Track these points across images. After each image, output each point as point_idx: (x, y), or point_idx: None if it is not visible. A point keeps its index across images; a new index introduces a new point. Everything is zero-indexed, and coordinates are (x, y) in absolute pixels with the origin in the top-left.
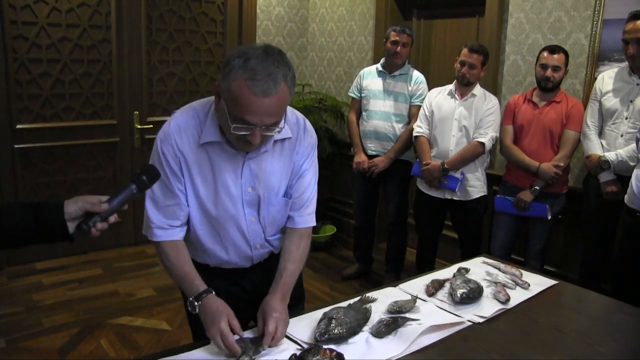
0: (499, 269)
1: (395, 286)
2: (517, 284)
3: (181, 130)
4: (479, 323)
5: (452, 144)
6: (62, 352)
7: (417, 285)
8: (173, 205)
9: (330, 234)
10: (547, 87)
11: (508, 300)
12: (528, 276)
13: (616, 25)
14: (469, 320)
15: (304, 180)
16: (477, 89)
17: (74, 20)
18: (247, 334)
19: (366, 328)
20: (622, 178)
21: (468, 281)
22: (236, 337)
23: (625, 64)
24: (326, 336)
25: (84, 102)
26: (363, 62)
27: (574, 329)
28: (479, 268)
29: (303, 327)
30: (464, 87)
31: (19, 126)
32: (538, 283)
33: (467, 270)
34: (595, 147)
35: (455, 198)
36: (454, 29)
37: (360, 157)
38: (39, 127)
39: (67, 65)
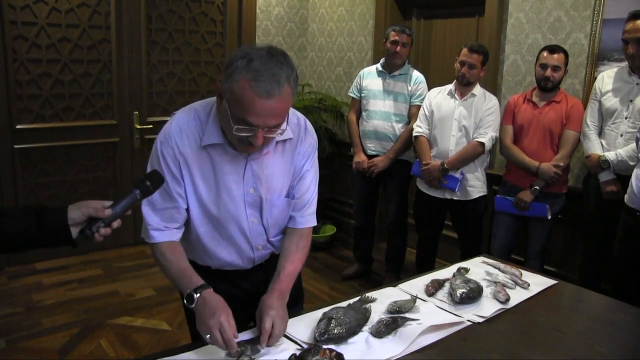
0: (499, 269)
1: (395, 286)
2: (516, 283)
3: (182, 131)
4: (478, 323)
5: (451, 143)
6: (62, 352)
7: (416, 285)
8: (171, 208)
9: (330, 234)
10: (547, 87)
11: (508, 300)
12: (528, 276)
13: (616, 25)
14: (468, 320)
15: (305, 181)
16: (477, 89)
17: (73, 21)
18: (246, 335)
19: (366, 328)
20: (622, 178)
21: (468, 281)
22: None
23: (625, 63)
24: (326, 336)
25: (83, 102)
26: (363, 62)
27: (574, 328)
28: (478, 268)
29: (303, 327)
30: (464, 87)
31: (18, 126)
32: (538, 283)
33: (466, 270)
34: (595, 146)
35: (455, 198)
36: (453, 28)
37: (360, 157)
38: (38, 127)
39: (66, 65)
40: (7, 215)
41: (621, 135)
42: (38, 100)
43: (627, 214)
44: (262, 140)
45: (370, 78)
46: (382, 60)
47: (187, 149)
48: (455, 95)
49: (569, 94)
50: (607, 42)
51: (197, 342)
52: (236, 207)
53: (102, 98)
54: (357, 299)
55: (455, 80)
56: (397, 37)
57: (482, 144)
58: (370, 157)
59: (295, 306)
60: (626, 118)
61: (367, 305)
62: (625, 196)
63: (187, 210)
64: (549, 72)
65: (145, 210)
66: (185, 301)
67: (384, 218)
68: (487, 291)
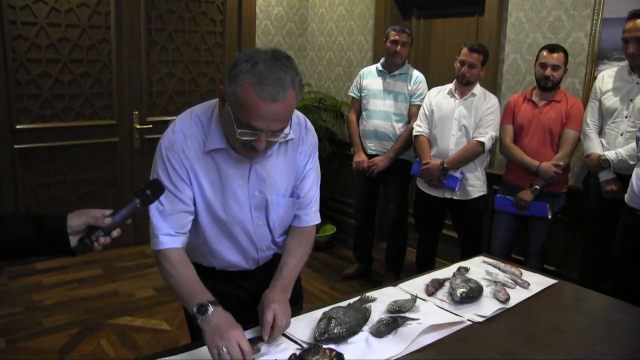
0: (499, 268)
1: (395, 286)
2: (517, 283)
3: (186, 137)
4: (478, 322)
5: (451, 143)
6: (62, 352)
7: (416, 284)
8: (180, 212)
9: (330, 234)
10: (547, 86)
11: (508, 299)
12: (528, 275)
13: (616, 24)
14: (468, 320)
15: (308, 179)
16: (477, 89)
17: (73, 21)
18: (247, 335)
19: (366, 328)
20: (622, 177)
21: (468, 280)
22: None
23: (625, 62)
24: (326, 336)
25: (83, 102)
26: (362, 61)
27: (574, 328)
28: (478, 267)
29: (303, 326)
30: (464, 87)
31: (18, 126)
32: (538, 282)
33: (467, 269)
34: (595, 146)
35: (455, 197)
36: (453, 28)
37: (360, 157)
38: (38, 128)
39: (66, 65)
40: (6, 222)
41: (621, 135)
42: (38, 100)
43: (627, 214)
44: (264, 145)
45: (370, 77)
46: (382, 60)
47: (192, 154)
48: (455, 95)
49: (568, 94)
50: (607, 41)
51: (196, 342)
52: (242, 211)
53: (102, 98)
54: (357, 298)
55: (455, 80)
56: (397, 37)
57: (482, 143)
58: (370, 156)
59: (295, 305)
60: (626, 117)
61: (367, 305)
62: (626, 195)
63: (196, 214)
64: (548, 71)
65: (155, 217)
66: (195, 311)
67: (384, 218)
68: (487, 291)
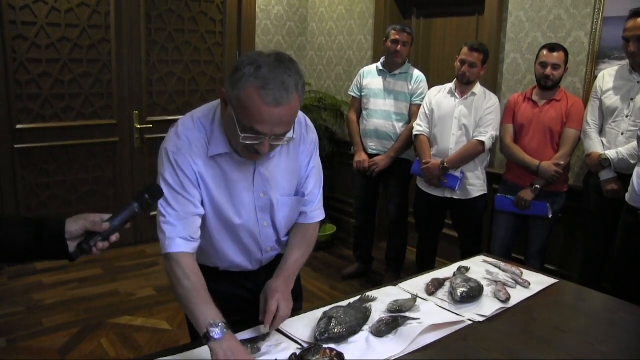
0: (499, 268)
1: (395, 285)
2: (517, 282)
3: (191, 143)
4: (479, 322)
5: (452, 142)
6: (63, 352)
7: (417, 284)
8: (193, 215)
9: (331, 233)
10: (547, 85)
11: (508, 299)
12: (528, 275)
13: (616, 23)
14: (469, 319)
15: (312, 177)
16: (477, 88)
17: (73, 20)
18: (247, 334)
19: (366, 327)
20: (623, 176)
21: (468, 280)
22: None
23: (626, 61)
24: (326, 335)
25: (83, 102)
26: (362, 61)
27: (575, 327)
28: (479, 267)
29: (303, 326)
30: (464, 86)
31: (18, 126)
32: (538, 282)
33: (467, 269)
34: (595, 145)
35: (455, 197)
36: (453, 27)
37: (360, 156)
38: (38, 127)
39: (66, 65)
40: (5, 225)
41: (622, 134)
42: (38, 100)
43: (628, 213)
44: (268, 148)
45: (370, 77)
46: (382, 59)
47: (199, 160)
48: (456, 94)
49: (569, 93)
50: (608, 40)
51: (196, 341)
52: (248, 213)
53: (102, 98)
54: (357, 298)
55: (455, 79)
56: (397, 36)
57: (482, 142)
58: (371, 156)
59: (295, 304)
60: (627, 116)
61: (368, 305)
62: (627, 195)
63: (203, 217)
64: (549, 70)
65: (169, 220)
66: (206, 331)
67: (384, 217)
68: (487, 290)
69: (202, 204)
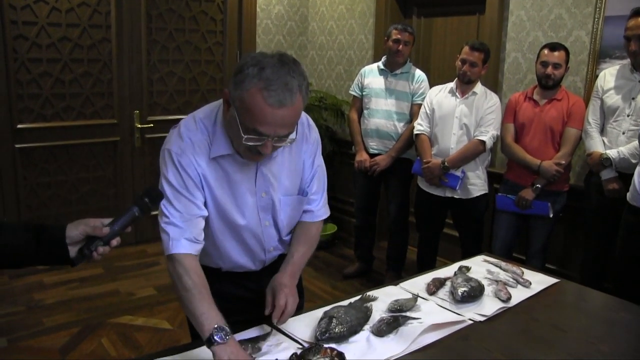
0: (500, 267)
1: (396, 285)
2: (518, 282)
3: (194, 144)
4: (480, 322)
5: (452, 142)
6: (63, 352)
7: (418, 283)
8: (197, 217)
9: (331, 233)
10: (548, 84)
11: (509, 298)
12: (529, 274)
13: (618, 22)
14: (470, 319)
15: (317, 176)
16: (478, 87)
17: (74, 20)
18: (248, 334)
19: (367, 327)
20: (624, 176)
21: (469, 280)
22: (238, 337)
23: (627, 61)
24: (327, 335)
25: (84, 101)
26: (363, 60)
27: (576, 327)
28: (480, 266)
29: (304, 326)
30: (465, 85)
31: (19, 126)
32: (539, 281)
33: (468, 268)
34: (596, 144)
35: (456, 196)
36: (454, 27)
37: (362, 156)
38: (39, 127)
39: (67, 64)
40: (6, 230)
41: (623, 133)
42: (39, 99)
43: (629, 212)
44: (270, 150)
45: (372, 76)
46: (383, 59)
47: (202, 161)
48: (457, 94)
49: (570, 92)
50: (609, 40)
51: (197, 341)
52: (250, 213)
53: (103, 97)
54: (358, 297)
55: (456, 79)
56: (399, 36)
57: (483, 142)
58: (372, 155)
59: None
60: (628, 116)
61: (368, 304)
62: (628, 194)
63: (206, 218)
64: (549, 69)
65: (173, 221)
66: (209, 335)
67: (385, 217)
68: (488, 290)
69: (205, 205)
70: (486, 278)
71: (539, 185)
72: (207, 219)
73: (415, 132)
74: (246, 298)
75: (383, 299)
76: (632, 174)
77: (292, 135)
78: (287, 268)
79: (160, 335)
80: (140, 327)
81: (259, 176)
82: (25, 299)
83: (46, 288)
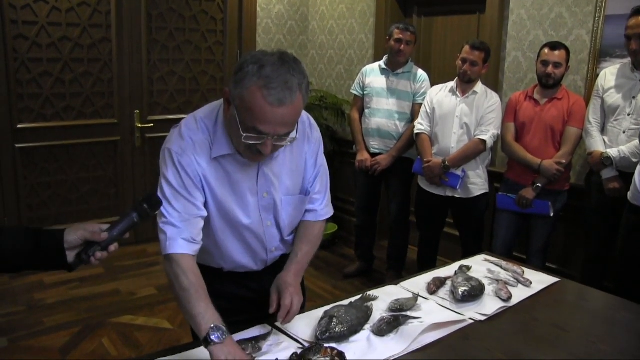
0: (501, 267)
1: (396, 284)
2: (519, 281)
3: (195, 144)
4: (480, 321)
5: (453, 141)
6: (64, 352)
7: (418, 283)
8: (195, 217)
9: (332, 232)
10: (548, 83)
11: (510, 298)
12: (530, 274)
13: (618, 21)
14: (470, 318)
15: (320, 176)
16: (479, 86)
17: (74, 20)
18: (248, 333)
19: (367, 326)
20: (625, 175)
21: (469, 279)
22: (238, 336)
23: (628, 60)
24: (327, 334)
25: (84, 101)
26: (363, 59)
27: (577, 326)
28: (480, 266)
29: (304, 325)
30: (466, 85)
31: (19, 126)
32: (540, 281)
33: (468, 268)
34: (597, 143)
35: (456, 196)
36: (454, 26)
37: (363, 155)
38: (39, 127)
39: (67, 64)
40: (4, 234)
41: (624, 132)
42: (39, 99)
43: (630, 211)
44: (270, 149)
45: (373, 76)
46: (385, 58)
47: (203, 161)
48: (457, 93)
49: (570, 91)
50: (610, 39)
51: (198, 341)
52: (252, 213)
53: (103, 97)
54: (358, 297)
55: (456, 78)
56: (400, 35)
57: (484, 141)
58: (373, 155)
59: None
60: (629, 115)
61: (369, 304)
62: (629, 193)
63: (207, 218)
64: (550, 69)
65: (171, 221)
66: (206, 334)
67: (386, 216)
68: (489, 289)
69: (206, 205)
70: (487, 277)
71: (540, 185)
72: (208, 219)
73: (415, 131)
74: (248, 298)
75: (383, 298)
76: (633, 173)
77: (293, 135)
78: (291, 267)
79: (161, 335)
80: (141, 327)
81: (261, 176)
82: (26, 299)
83: (47, 288)
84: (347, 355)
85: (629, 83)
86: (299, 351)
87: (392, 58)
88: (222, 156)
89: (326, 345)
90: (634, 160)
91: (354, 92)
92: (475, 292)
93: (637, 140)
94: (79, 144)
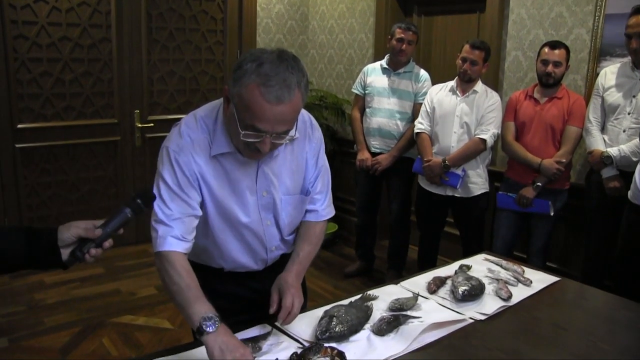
0: (501, 266)
1: (396, 284)
2: (519, 280)
3: (194, 142)
4: (480, 320)
5: (453, 140)
6: (64, 351)
7: (418, 282)
8: (188, 216)
9: (332, 232)
10: (548, 82)
11: (510, 297)
12: (530, 273)
13: (618, 19)
14: (470, 318)
15: (321, 176)
16: (479, 86)
17: (74, 20)
18: (247, 333)
19: (367, 326)
20: (625, 174)
21: (470, 278)
22: (238, 336)
23: (628, 58)
24: (327, 334)
25: (84, 101)
26: (364, 59)
27: (577, 326)
28: (480, 265)
29: (304, 325)
30: (466, 84)
31: (20, 126)
32: (540, 280)
33: (468, 267)
34: (597, 142)
35: (456, 195)
36: (454, 25)
37: (363, 155)
38: (40, 127)
39: (67, 64)
40: None
41: (624, 131)
42: (39, 99)
43: (630, 210)
44: (269, 147)
45: (374, 75)
46: (386, 57)
47: (201, 159)
48: (457, 92)
49: (570, 90)
50: (610, 38)
51: (198, 340)
52: (251, 212)
53: (103, 97)
54: (358, 296)
55: (456, 77)
56: (402, 35)
57: (484, 140)
58: (373, 154)
59: None
60: (629, 114)
61: (369, 303)
62: (629, 192)
63: (206, 218)
64: (550, 68)
65: (162, 219)
66: (199, 325)
67: (386, 215)
68: (489, 288)
69: (204, 204)
70: (487, 277)
71: (540, 184)
72: (207, 218)
73: (415, 130)
74: (248, 298)
75: (384, 298)
76: (633, 172)
77: (292, 133)
78: (293, 267)
79: (161, 335)
80: (141, 327)
81: (260, 175)
82: (26, 299)
83: (47, 288)
84: (347, 355)
85: (629, 82)
86: (299, 351)
87: (394, 57)
88: (221, 154)
89: (326, 345)
90: (634, 159)
91: (355, 92)
92: (475, 292)
93: (637, 139)
94: (79, 144)
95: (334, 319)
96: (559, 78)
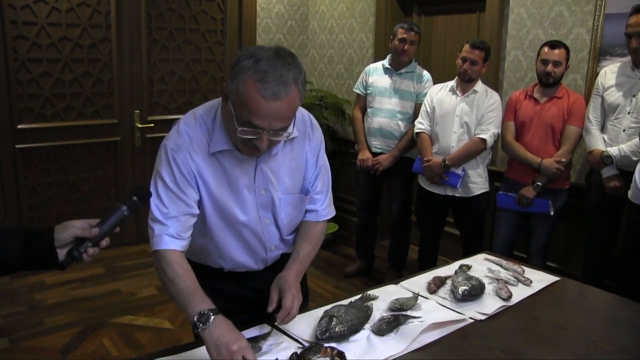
0: (501, 266)
1: (396, 284)
2: (519, 280)
3: (192, 140)
4: (480, 320)
5: (453, 140)
6: (65, 352)
7: (418, 282)
8: (185, 215)
9: (332, 232)
10: (548, 82)
11: (510, 297)
12: (530, 273)
13: (618, 19)
14: (470, 318)
15: (321, 175)
16: (479, 85)
17: (74, 20)
18: (247, 333)
19: (367, 326)
20: (625, 173)
21: (470, 278)
22: None
23: (628, 58)
24: (327, 334)
25: (84, 101)
26: (364, 59)
27: (577, 325)
28: (480, 265)
29: (304, 325)
30: (466, 84)
31: (20, 126)
32: (540, 280)
33: (468, 267)
34: (597, 142)
35: (457, 195)
36: (454, 25)
37: (364, 154)
38: (40, 127)
39: (67, 64)
40: None
41: (624, 131)
42: (39, 99)
43: (631, 210)
44: (266, 144)
45: (376, 75)
46: (388, 57)
47: (199, 157)
48: (457, 92)
49: (570, 90)
50: (610, 37)
51: (198, 340)
52: (250, 211)
53: (103, 97)
54: (358, 296)
55: (456, 77)
56: (405, 35)
57: (484, 140)
58: (374, 154)
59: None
60: (629, 113)
61: (369, 303)
62: (629, 192)
63: (204, 216)
64: (550, 67)
65: (158, 218)
66: (195, 320)
67: (386, 215)
68: (489, 288)
69: (202, 202)
70: (487, 276)
71: (540, 183)
72: (205, 217)
73: (415, 130)
74: (248, 298)
75: (384, 297)
76: (633, 172)
77: (290, 129)
78: (293, 267)
79: (162, 335)
80: (142, 327)
81: (258, 173)
82: (27, 299)
83: (47, 288)
84: (347, 355)
85: (629, 81)
86: (299, 351)
87: (396, 57)
88: (220, 152)
89: (326, 345)
90: (634, 158)
91: (357, 91)
92: (475, 291)
93: (637, 139)
94: (79, 144)
95: (334, 319)
96: (559, 78)
